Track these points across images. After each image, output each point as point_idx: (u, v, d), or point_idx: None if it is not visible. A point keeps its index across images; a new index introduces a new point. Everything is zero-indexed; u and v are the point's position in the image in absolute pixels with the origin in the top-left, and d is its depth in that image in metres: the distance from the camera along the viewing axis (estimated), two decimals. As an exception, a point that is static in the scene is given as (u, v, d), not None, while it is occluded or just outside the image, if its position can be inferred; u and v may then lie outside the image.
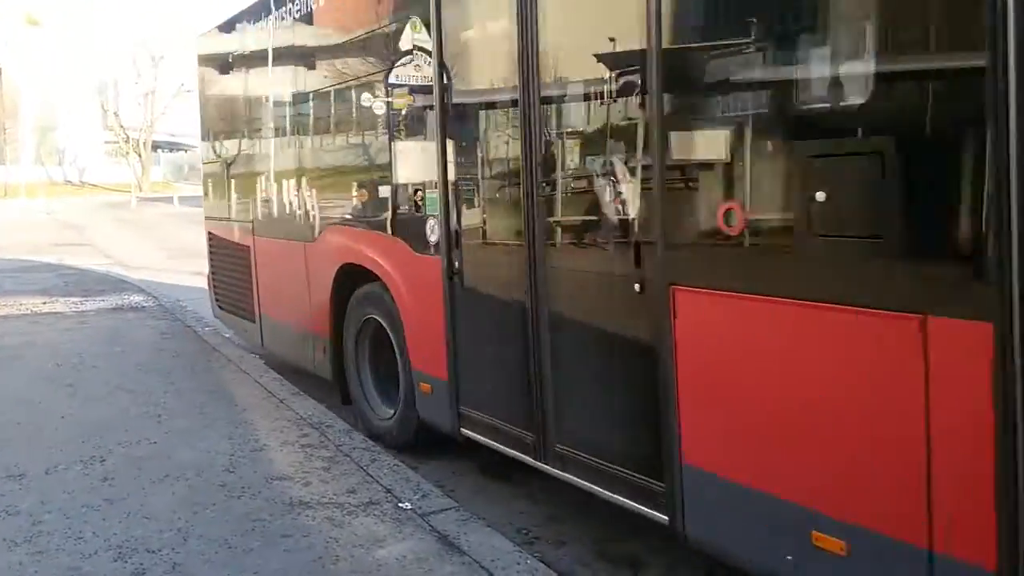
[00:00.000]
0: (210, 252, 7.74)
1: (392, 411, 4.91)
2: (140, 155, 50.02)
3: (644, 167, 2.98)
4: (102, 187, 46.95)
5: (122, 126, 49.93)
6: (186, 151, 60.32)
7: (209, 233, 7.70)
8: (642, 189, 3.01)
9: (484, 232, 3.93)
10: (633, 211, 3.06)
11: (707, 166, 2.75)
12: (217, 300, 7.66)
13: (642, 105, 2.93)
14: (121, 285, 11.36)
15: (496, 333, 3.86)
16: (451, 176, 4.00)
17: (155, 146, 54.10)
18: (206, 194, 7.90)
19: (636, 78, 2.92)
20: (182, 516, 3.67)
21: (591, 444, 3.32)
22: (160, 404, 5.44)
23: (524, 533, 3.74)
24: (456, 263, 3.96)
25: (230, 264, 7.18)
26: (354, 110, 5.04)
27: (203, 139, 7.88)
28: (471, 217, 4.01)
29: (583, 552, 3.56)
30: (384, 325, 4.82)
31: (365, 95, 4.67)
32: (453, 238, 3.98)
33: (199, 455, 4.44)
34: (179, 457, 4.42)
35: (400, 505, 3.76)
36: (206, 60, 7.49)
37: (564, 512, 3.90)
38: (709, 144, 2.68)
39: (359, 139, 5.12)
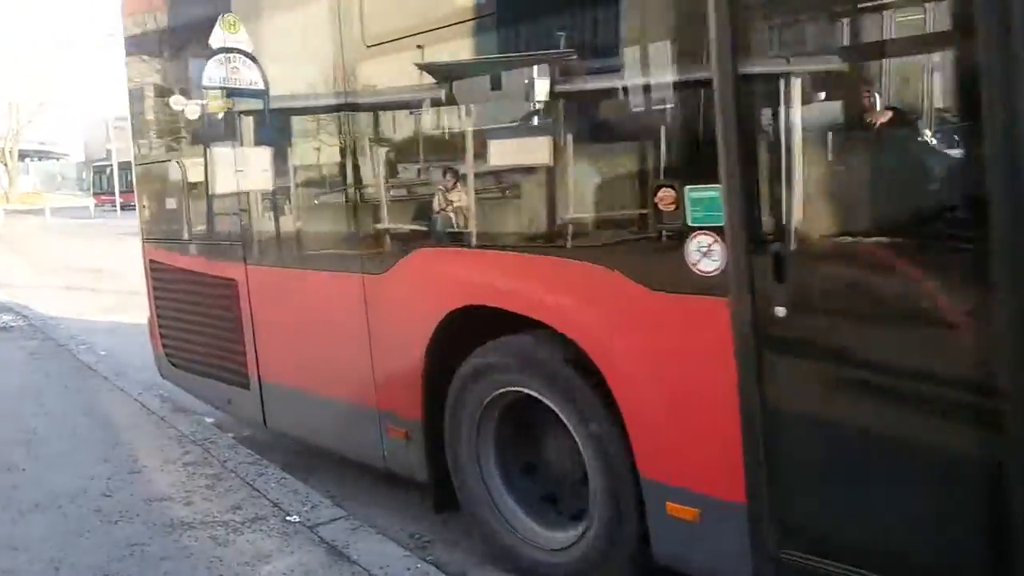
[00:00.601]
0: (155, 286, 5.68)
1: (573, 535, 3.20)
2: (6, 165, 47.13)
3: None
4: (-35, 200, 43.97)
5: (-16, 134, 46.91)
6: (58, 159, 57.22)
7: (152, 260, 5.66)
8: None
9: (861, 250, 2.34)
10: None
11: None
12: (169, 355, 5.57)
13: None
14: (-15, 304, 10.68)
15: (892, 434, 2.31)
16: (756, 160, 2.43)
17: (23, 155, 51.06)
18: (145, 205, 5.82)
19: None
20: (54, 545, 3.51)
21: None
22: (30, 429, 5.15)
23: (417, 538, 3.74)
24: (780, 310, 2.37)
25: (197, 305, 5.20)
26: (494, 42, 3.29)
27: (136, 136, 5.80)
28: (815, 225, 2.42)
29: (476, 553, 3.58)
30: (550, 404, 3.13)
31: None
32: (769, 264, 2.37)
33: (73, 480, 4.23)
34: (51, 483, 4.20)
35: (288, 518, 3.69)
36: (141, 22, 5.40)
37: (459, 514, 3.90)
38: None
39: (496, 105, 3.39)
